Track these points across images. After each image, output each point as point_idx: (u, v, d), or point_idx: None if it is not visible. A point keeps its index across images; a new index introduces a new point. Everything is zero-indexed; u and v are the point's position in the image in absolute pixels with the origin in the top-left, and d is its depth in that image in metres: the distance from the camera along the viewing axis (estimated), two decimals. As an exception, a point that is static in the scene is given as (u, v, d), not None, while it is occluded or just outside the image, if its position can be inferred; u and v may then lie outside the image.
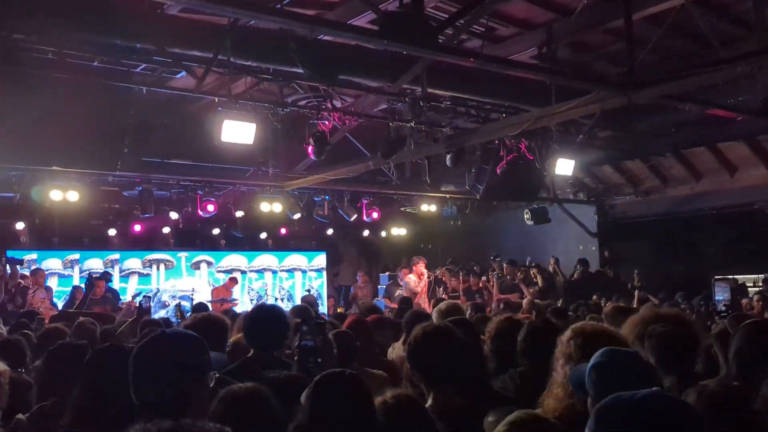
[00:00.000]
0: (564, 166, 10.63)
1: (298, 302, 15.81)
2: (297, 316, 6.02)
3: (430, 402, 2.79)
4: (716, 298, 7.08)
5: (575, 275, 13.13)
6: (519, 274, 13.06)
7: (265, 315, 4.00)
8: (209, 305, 13.55)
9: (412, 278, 12.76)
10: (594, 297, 8.27)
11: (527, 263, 13.96)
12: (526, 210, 13.82)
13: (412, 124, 9.30)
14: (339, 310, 7.21)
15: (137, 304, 7.01)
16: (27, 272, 11.57)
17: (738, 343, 3.11)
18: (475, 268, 14.55)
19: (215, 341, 3.52)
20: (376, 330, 5.11)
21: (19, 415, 2.91)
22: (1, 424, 2.79)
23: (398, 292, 12.96)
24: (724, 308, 6.87)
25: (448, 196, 14.00)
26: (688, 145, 12.31)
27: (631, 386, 2.06)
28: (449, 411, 2.64)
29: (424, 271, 12.95)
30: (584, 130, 10.15)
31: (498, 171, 10.18)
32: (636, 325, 3.39)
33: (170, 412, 2.09)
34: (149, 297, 7.31)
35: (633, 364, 2.23)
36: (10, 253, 11.43)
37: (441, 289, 13.38)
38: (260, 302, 14.72)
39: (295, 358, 2.97)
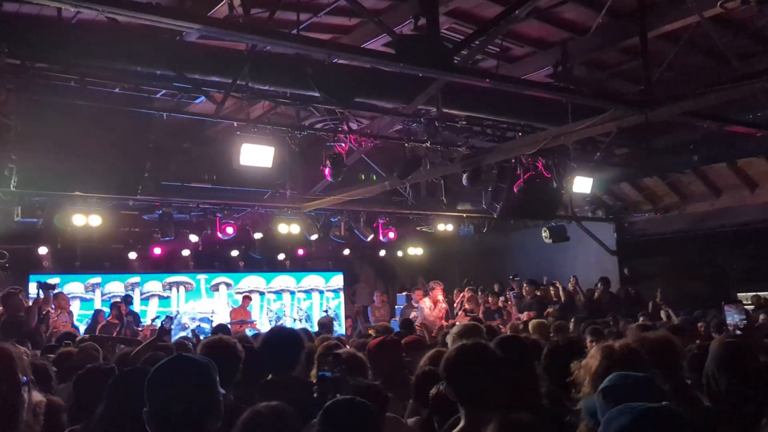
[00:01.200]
0: (582, 184, 10.61)
1: (316, 322, 15.86)
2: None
3: (462, 422, 2.77)
4: (727, 319, 6.93)
5: (596, 294, 13.04)
6: (538, 293, 12.98)
7: (277, 338, 4.07)
8: (229, 327, 13.64)
9: (427, 303, 12.71)
10: (611, 321, 8.18)
11: (544, 282, 13.90)
12: (545, 228, 13.77)
13: (428, 144, 9.33)
14: (370, 332, 7.19)
15: (157, 326, 7.02)
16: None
17: (707, 363, 3.06)
18: (495, 287, 14.50)
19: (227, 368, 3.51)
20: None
21: (49, 440, 2.94)
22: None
23: (413, 315, 12.92)
24: (740, 332, 6.70)
25: (464, 215, 13.98)
26: (707, 161, 12.24)
27: None
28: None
29: (441, 298, 12.88)
30: (602, 148, 10.13)
31: (515, 189, 10.17)
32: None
33: None
34: (171, 318, 7.31)
35: (643, 388, 2.19)
36: (33, 278, 11.55)
37: (461, 312, 13.30)
38: (275, 326, 14.75)
39: (314, 390, 2.98)
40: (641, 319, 8.48)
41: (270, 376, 3.89)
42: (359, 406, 2.51)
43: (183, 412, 2.14)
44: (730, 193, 12.88)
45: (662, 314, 9.09)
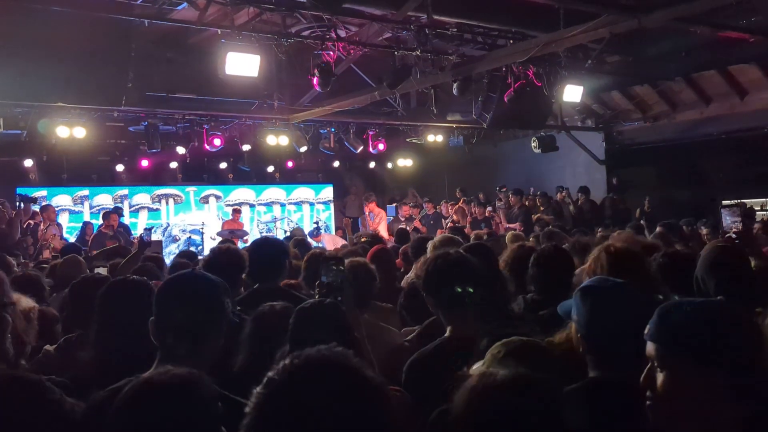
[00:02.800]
0: (572, 93, 10.53)
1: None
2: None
3: (448, 330, 2.83)
4: (725, 222, 6.99)
5: (579, 203, 13.16)
6: (526, 203, 13.07)
7: (260, 249, 4.07)
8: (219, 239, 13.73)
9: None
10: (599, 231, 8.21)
11: (531, 192, 13.98)
12: (534, 138, 13.75)
13: (418, 53, 9.14)
14: (363, 240, 7.25)
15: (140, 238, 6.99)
16: (37, 209, 11.64)
17: (697, 268, 3.10)
18: (480, 197, 14.59)
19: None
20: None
21: (47, 347, 3.01)
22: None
23: (399, 227, 13.03)
24: (735, 235, 6.75)
25: (454, 125, 13.90)
26: (698, 68, 12.13)
27: (619, 313, 2.10)
28: (469, 337, 2.69)
29: (375, 209, 13.52)
30: (593, 55, 9.98)
31: (505, 99, 10.07)
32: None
33: (187, 354, 2.14)
34: (150, 230, 7.33)
35: (623, 291, 2.21)
36: (20, 191, 11.50)
37: (445, 221, 13.41)
38: (259, 237, 14.87)
39: (316, 293, 3.02)
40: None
41: (257, 285, 3.91)
42: (329, 307, 2.55)
43: (186, 321, 2.17)
44: (719, 101, 12.80)
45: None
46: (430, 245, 4.67)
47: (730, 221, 7.04)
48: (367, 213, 13.67)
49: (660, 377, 1.61)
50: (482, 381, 1.61)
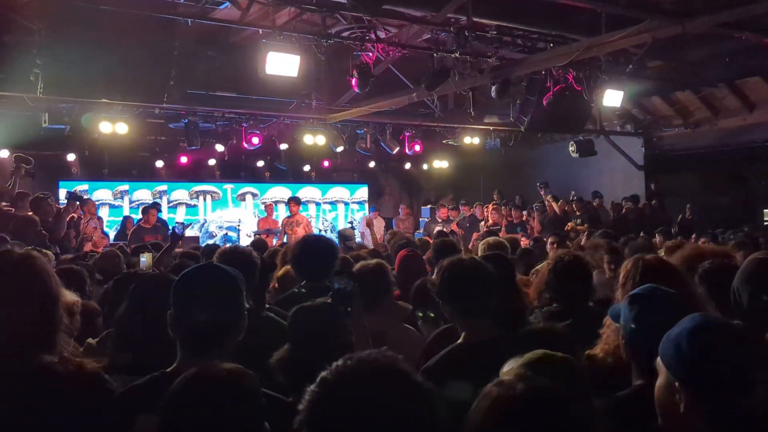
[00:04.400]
0: (612, 98, 10.41)
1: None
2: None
3: (462, 336, 2.81)
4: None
5: (624, 210, 12.95)
6: (566, 208, 12.90)
7: (312, 246, 3.99)
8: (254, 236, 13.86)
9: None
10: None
11: (571, 197, 13.80)
12: (572, 142, 13.61)
13: (457, 55, 9.12)
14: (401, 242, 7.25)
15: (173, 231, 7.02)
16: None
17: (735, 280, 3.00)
18: (517, 200, 14.48)
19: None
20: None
21: (90, 340, 3.08)
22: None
23: (437, 229, 13.02)
24: None
25: (491, 128, 13.81)
26: (742, 74, 11.92)
27: (668, 323, 2.10)
28: (482, 344, 2.68)
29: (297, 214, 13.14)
30: (634, 60, 9.85)
31: (544, 102, 10.00)
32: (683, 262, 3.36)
33: (205, 349, 2.12)
34: (183, 224, 7.37)
35: (673, 302, 2.21)
36: (63, 184, 11.72)
37: (483, 224, 13.33)
38: (310, 234, 14.90)
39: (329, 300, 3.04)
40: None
41: (303, 283, 3.88)
42: (322, 308, 2.59)
43: (206, 321, 2.11)
44: (763, 108, 12.56)
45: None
46: (481, 246, 4.69)
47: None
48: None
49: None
50: (501, 392, 1.58)
